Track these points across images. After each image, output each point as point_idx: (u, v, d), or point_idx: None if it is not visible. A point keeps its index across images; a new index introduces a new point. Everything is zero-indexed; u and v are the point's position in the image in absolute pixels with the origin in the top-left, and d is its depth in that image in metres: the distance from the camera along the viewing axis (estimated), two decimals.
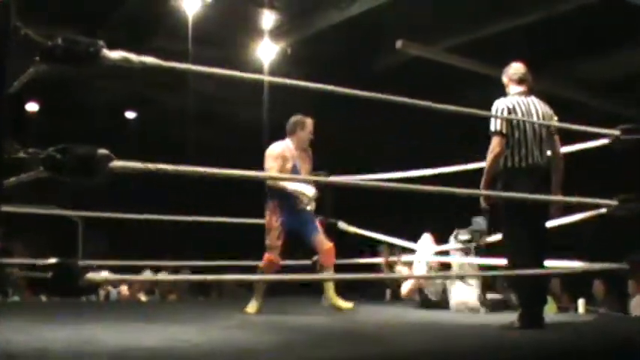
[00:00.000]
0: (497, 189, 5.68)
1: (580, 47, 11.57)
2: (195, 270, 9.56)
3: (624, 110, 13.28)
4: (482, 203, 5.87)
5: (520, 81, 5.93)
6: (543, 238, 5.77)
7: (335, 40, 11.48)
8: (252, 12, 10.98)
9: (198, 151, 11.06)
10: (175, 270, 10.62)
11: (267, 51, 11.38)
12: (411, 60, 11.49)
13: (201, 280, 5.63)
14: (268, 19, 11.01)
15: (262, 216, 7.18)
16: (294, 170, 7.05)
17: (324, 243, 7.05)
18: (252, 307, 6.95)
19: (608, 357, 4.61)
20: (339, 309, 7.08)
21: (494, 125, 5.68)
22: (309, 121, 7.22)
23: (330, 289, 7.22)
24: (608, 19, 10.12)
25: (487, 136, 5.74)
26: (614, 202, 5.72)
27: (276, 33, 11.31)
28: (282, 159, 7.03)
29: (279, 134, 7.20)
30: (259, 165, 7.02)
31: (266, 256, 6.92)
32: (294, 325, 5.95)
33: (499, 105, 5.73)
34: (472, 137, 6.27)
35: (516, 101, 5.76)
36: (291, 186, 6.93)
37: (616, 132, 5.92)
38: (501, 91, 6.13)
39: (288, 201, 6.99)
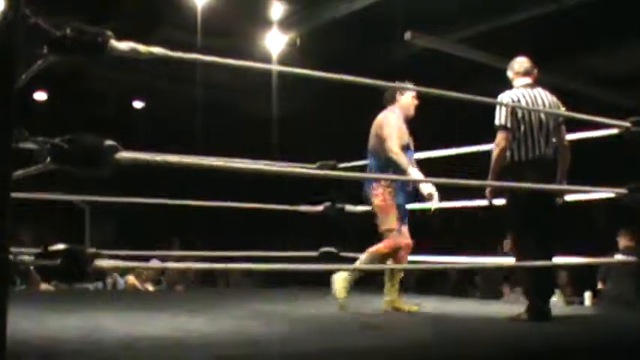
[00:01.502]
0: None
1: (588, 41, 11.55)
2: (204, 260, 9.58)
3: (634, 103, 13.28)
4: (487, 197, 5.90)
5: (526, 73, 5.94)
6: (550, 231, 5.75)
7: (344, 32, 11.47)
8: (261, 2, 10.97)
9: (207, 141, 11.07)
10: (182, 260, 10.64)
11: (275, 42, 11.37)
12: (420, 52, 11.47)
13: (221, 268, 5.62)
14: (277, 9, 11.00)
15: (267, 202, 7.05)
16: (408, 149, 6.44)
17: (408, 237, 6.51)
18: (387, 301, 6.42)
19: (613, 350, 4.61)
20: (401, 310, 6.35)
21: (499, 119, 5.68)
22: (409, 85, 6.25)
23: (395, 290, 6.47)
24: (618, 12, 10.09)
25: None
26: (623, 191, 5.72)
27: (285, 24, 11.30)
28: (400, 132, 6.38)
29: (287, 125, 7.14)
30: (266, 155, 6.99)
31: (388, 242, 6.21)
32: (303, 316, 5.96)
33: (504, 98, 5.72)
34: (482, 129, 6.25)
35: (521, 93, 5.75)
36: (407, 164, 6.12)
37: (627, 124, 5.94)
38: (509, 84, 6.13)
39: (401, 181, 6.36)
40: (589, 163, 8.44)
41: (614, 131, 6.17)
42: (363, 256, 6.23)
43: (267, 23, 11.25)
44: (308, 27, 11.50)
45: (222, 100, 12.98)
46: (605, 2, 9.87)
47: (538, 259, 5.41)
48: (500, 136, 5.66)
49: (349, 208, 8.07)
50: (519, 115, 5.64)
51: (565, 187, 5.90)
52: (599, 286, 9.98)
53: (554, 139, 5.77)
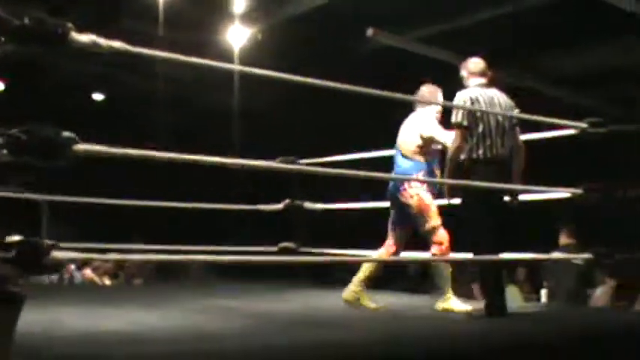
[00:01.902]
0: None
1: (547, 40, 11.63)
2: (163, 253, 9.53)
3: (592, 104, 13.42)
4: (446, 195, 5.94)
5: (481, 74, 6.02)
6: (503, 230, 5.81)
7: (306, 27, 11.44)
8: None
9: (168, 134, 11.01)
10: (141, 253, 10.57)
11: (237, 35, 11.32)
12: (383, 49, 11.49)
13: (178, 260, 5.59)
14: (240, 3, 10.94)
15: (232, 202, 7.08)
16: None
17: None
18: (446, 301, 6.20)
19: (566, 348, 4.66)
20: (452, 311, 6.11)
21: (456, 117, 5.73)
22: (440, 93, 6.47)
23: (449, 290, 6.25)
24: (576, 14, 10.17)
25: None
26: (579, 191, 5.79)
27: (248, 17, 11.25)
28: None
29: (250, 120, 7.12)
30: (228, 148, 6.97)
31: (440, 239, 6.16)
32: (259, 311, 5.97)
33: (462, 96, 5.76)
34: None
35: (479, 93, 5.82)
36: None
37: (584, 125, 6.01)
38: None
39: (432, 176, 6.38)
40: (547, 163, 8.50)
41: (572, 132, 6.23)
42: (439, 271, 6.15)
43: (229, 17, 11.19)
44: (271, 21, 11.47)
45: (183, 93, 12.91)
46: (563, 3, 9.94)
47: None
48: (457, 135, 5.73)
49: (308, 205, 8.08)
50: (477, 114, 5.69)
51: (522, 187, 5.95)
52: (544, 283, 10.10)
53: (509, 140, 5.83)
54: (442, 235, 6.17)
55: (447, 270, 6.16)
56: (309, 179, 6.69)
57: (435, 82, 6.59)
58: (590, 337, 5.14)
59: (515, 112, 5.90)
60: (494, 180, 5.54)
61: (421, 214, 6.20)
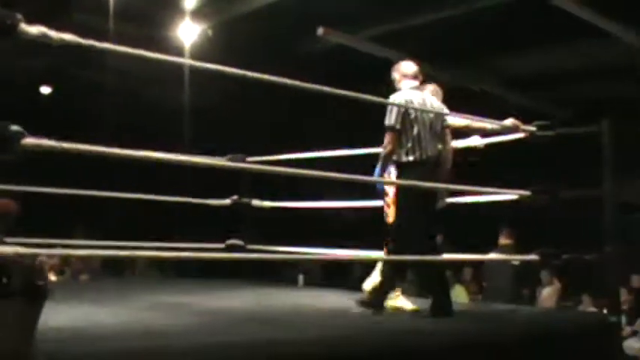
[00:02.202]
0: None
1: (500, 43, 11.74)
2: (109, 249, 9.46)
3: (541, 106, 13.57)
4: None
5: (414, 76, 6.07)
6: (434, 230, 5.94)
7: (257, 24, 11.44)
8: None
9: (117, 129, 10.93)
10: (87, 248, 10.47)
11: (188, 31, 11.27)
12: (334, 47, 11.53)
13: (125, 256, 5.54)
14: None
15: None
16: None
17: None
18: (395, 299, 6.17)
19: (506, 347, 4.73)
20: (400, 311, 6.14)
21: (389, 120, 5.77)
22: (438, 88, 6.43)
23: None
24: (528, 17, 10.28)
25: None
26: (527, 193, 5.86)
27: (198, 14, 11.21)
28: None
29: (199, 116, 7.10)
30: (177, 145, 6.94)
31: None
32: (207, 308, 5.95)
33: (396, 98, 5.81)
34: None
35: (412, 96, 5.86)
36: None
37: (532, 128, 6.09)
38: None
39: None
40: (496, 165, 8.60)
41: (520, 135, 6.31)
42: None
43: (180, 12, 11.14)
44: (221, 18, 11.44)
45: (133, 87, 12.82)
46: (515, 5, 10.04)
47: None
48: (389, 137, 5.77)
49: (256, 203, 8.09)
50: (412, 116, 5.74)
51: (471, 188, 6.00)
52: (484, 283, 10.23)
53: (439, 143, 5.91)
54: None
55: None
56: (263, 177, 6.68)
57: (384, 82, 6.62)
58: (531, 336, 5.21)
59: (446, 115, 5.97)
60: (427, 182, 5.59)
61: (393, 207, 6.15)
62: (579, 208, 7.16)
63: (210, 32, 11.48)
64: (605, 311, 6.24)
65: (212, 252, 7.17)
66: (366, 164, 6.33)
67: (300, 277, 10.22)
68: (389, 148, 5.75)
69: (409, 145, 5.74)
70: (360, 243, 6.93)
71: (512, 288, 9.33)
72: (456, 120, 6.15)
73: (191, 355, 3.54)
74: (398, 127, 5.74)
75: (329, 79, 6.14)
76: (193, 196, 7.98)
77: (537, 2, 9.35)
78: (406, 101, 5.77)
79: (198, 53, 10.70)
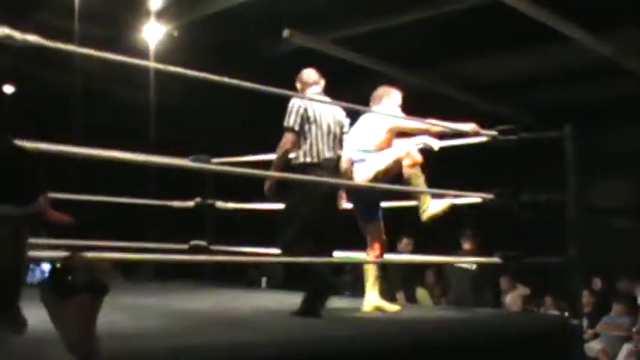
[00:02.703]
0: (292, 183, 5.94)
1: (464, 47, 11.81)
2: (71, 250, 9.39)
3: (503, 110, 13.67)
4: (265, 191, 6.13)
5: (315, 82, 6.24)
6: (331, 234, 6.07)
7: (223, 26, 11.42)
8: None
9: (82, 129, 10.86)
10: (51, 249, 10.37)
11: (153, 32, 11.23)
12: (301, 49, 11.54)
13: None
14: (156, 0, 10.86)
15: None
16: None
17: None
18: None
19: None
20: (382, 310, 6.25)
21: (288, 121, 5.92)
22: (395, 91, 6.57)
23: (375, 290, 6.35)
24: (491, 21, 10.34)
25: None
26: (490, 196, 5.92)
27: (164, 15, 11.18)
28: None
29: (164, 117, 7.08)
30: (143, 146, 6.94)
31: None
32: (168, 310, 5.94)
33: (296, 102, 5.94)
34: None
35: (313, 100, 6.00)
36: None
37: (494, 132, 6.16)
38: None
39: None
40: (459, 169, 8.65)
41: (483, 139, 6.37)
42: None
43: (145, 13, 11.10)
44: (187, 19, 11.41)
45: (97, 87, 12.74)
46: (477, 10, 10.10)
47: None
48: (287, 138, 5.92)
49: (220, 204, 8.09)
50: (311, 119, 5.89)
51: (436, 190, 6.06)
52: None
53: (338, 148, 6.08)
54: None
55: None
56: (228, 178, 6.69)
57: (349, 84, 6.68)
58: (492, 340, 5.25)
59: (346, 120, 6.16)
60: (323, 184, 5.81)
61: (382, 174, 6.19)
62: (542, 212, 7.20)
63: (175, 33, 11.45)
64: (566, 314, 6.31)
65: (175, 253, 7.17)
66: None
67: (263, 280, 10.24)
68: (285, 147, 5.92)
69: (306, 147, 5.90)
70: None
71: (475, 292, 9.39)
72: (414, 124, 6.25)
73: (152, 357, 3.54)
74: (297, 128, 5.91)
75: (294, 81, 6.19)
76: (158, 197, 7.97)
77: (500, 7, 9.42)
78: (305, 105, 5.90)
79: (164, 54, 10.67)
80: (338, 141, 6.06)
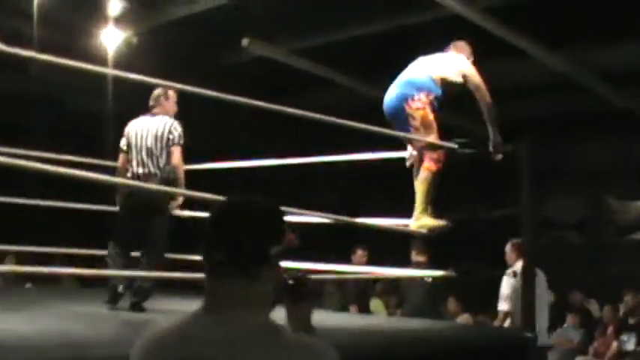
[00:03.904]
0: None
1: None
2: (23, 256, 9.31)
3: (459, 124, 13.75)
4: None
5: (151, 107, 6.74)
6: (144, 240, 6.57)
7: (182, 33, 11.41)
8: None
9: (37, 136, 10.77)
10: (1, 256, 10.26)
11: (111, 38, 11.17)
12: (260, 58, 11.55)
13: (31, 271, 5.47)
14: (115, 6, 10.81)
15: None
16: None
17: None
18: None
19: None
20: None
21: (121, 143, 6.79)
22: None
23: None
24: (448, 35, 10.40)
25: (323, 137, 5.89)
26: (443, 222, 5.99)
27: (123, 21, 11.12)
28: None
29: (121, 122, 7.07)
30: (97, 152, 6.93)
31: (437, 155, 6.37)
32: (127, 318, 5.89)
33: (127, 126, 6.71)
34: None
35: (136, 123, 6.66)
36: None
37: (453, 145, 6.19)
38: (339, 94, 6.35)
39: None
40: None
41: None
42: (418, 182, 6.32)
43: (104, 19, 11.04)
44: (146, 26, 11.38)
45: (51, 94, 12.62)
46: (435, 24, 10.18)
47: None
48: (120, 157, 6.77)
49: (176, 212, 8.07)
50: (131, 139, 6.56)
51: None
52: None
53: (158, 161, 6.49)
54: (439, 153, 6.34)
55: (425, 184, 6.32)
56: (190, 185, 6.70)
57: (305, 94, 6.72)
58: (444, 352, 5.28)
59: (171, 135, 6.54)
60: (128, 194, 6.51)
61: (424, 128, 6.32)
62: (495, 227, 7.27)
63: (134, 40, 11.40)
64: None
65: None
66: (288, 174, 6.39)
67: None
68: (119, 165, 6.79)
69: (133, 162, 6.54)
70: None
71: (428, 304, 9.40)
72: (480, 82, 6.61)
73: None
74: (125, 148, 6.68)
75: (252, 89, 6.19)
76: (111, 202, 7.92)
77: (458, 20, 9.50)
78: (128, 127, 6.65)
79: (123, 60, 10.62)
80: (155, 155, 6.51)
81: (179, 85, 5.11)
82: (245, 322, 2.03)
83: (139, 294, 6.22)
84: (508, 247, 8.33)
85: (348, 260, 9.36)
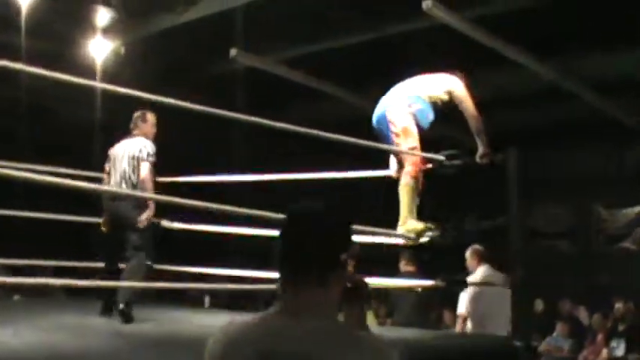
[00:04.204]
0: None
1: (408, 70, 11.89)
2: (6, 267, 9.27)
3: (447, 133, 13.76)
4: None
5: (132, 128, 7.06)
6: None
7: (170, 44, 11.41)
8: (87, 8, 10.75)
9: (30, 145, 10.75)
10: None
11: (100, 48, 11.16)
12: (248, 68, 11.56)
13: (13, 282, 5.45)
14: (103, 16, 10.81)
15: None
16: None
17: None
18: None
19: None
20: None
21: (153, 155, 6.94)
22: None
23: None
24: (435, 45, 10.43)
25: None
26: (433, 230, 5.99)
27: (111, 31, 11.12)
28: None
29: (108, 132, 7.13)
30: (87, 163, 6.92)
31: (415, 159, 6.37)
32: (112, 330, 5.87)
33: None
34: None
35: (118, 145, 6.96)
36: None
37: (441, 157, 6.20)
38: (327, 104, 6.35)
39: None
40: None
41: (429, 166, 6.42)
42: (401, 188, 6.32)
43: (92, 29, 11.03)
44: (134, 36, 11.38)
45: (43, 104, 12.60)
46: (421, 33, 10.20)
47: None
48: (104, 179, 7.05)
49: (165, 224, 8.06)
50: (112, 163, 6.91)
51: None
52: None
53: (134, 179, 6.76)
54: (417, 158, 6.35)
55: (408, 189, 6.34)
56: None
57: (293, 104, 6.73)
58: None
59: (142, 153, 6.78)
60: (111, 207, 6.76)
61: (403, 134, 6.37)
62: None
63: (122, 50, 11.39)
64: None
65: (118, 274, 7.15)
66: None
67: (207, 299, 10.19)
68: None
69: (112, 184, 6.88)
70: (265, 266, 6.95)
71: (418, 313, 9.39)
72: (468, 99, 6.61)
73: None
74: (108, 170, 6.98)
75: (241, 99, 6.18)
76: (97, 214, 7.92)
77: (444, 30, 9.52)
78: (110, 152, 7.01)
79: (111, 70, 10.62)
80: (130, 173, 6.79)
81: (158, 97, 5.05)
82: (318, 323, 2.15)
83: (126, 304, 6.29)
84: (468, 253, 8.33)
85: None
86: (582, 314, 12.29)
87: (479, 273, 7.93)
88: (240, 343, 2.20)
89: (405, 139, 6.34)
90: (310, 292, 2.19)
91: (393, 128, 6.42)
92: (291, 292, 2.21)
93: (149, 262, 6.73)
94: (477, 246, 8.16)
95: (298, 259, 2.21)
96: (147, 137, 6.96)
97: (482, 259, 8.18)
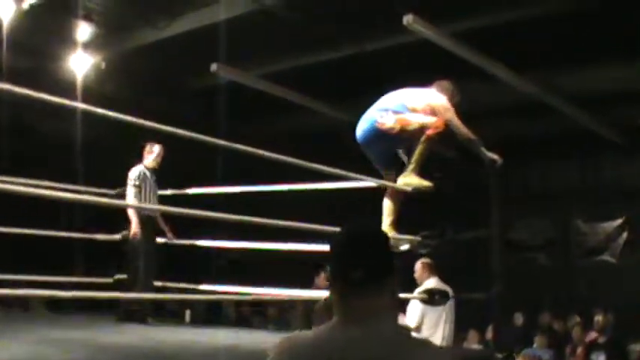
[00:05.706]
0: None
1: (390, 83, 11.93)
2: None
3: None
4: None
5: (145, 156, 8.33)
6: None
7: (151, 58, 11.42)
8: (68, 23, 10.75)
9: (9, 162, 10.72)
10: None
11: (80, 63, 11.15)
12: (229, 83, 11.58)
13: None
14: (84, 31, 10.81)
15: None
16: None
17: None
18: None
19: None
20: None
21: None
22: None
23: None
24: (416, 59, 10.47)
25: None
26: (417, 238, 6.01)
27: (92, 46, 11.13)
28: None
29: (91, 150, 7.10)
30: (69, 179, 6.93)
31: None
32: (95, 344, 5.87)
33: (134, 171, 8.18)
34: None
35: (145, 169, 8.18)
36: None
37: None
38: (311, 119, 6.38)
39: None
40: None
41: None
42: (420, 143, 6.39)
43: (73, 44, 11.04)
44: (114, 51, 11.39)
45: (23, 120, 12.57)
46: (400, 47, 10.25)
47: None
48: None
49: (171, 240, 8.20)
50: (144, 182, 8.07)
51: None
52: None
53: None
54: (438, 122, 6.45)
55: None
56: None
57: (274, 118, 6.75)
58: None
59: (129, 178, 7.94)
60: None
61: (405, 127, 6.42)
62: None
63: (103, 65, 11.39)
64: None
65: (98, 288, 7.17)
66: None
67: (187, 313, 10.19)
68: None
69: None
70: (245, 280, 6.99)
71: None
72: (455, 118, 6.66)
73: None
74: (137, 183, 8.01)
75: (222, 114, 6.21)
76: (87, 228, 7.96)
77: (424, 45, 9.58)
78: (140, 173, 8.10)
79: (91, 85, 10.62)
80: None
81: (134, 119, 5.04)
82: (382, 329, 2.24)
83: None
84: (418, 266, 8.38)
85: (311, 283, 9.39)
86: (561, 326, 12.35)
87: (429, 284, 7.97)
88: (310, 356, 2.26)
89: (412, 122, 6.43)
90: (370, 300, 2.26)
91: (390, 131, 6.43)
92: (353, 302, 2.27)
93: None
94: (426, 259, 8.23)
95: (361, 268, 2.28)
96: (147, 166, 8.21)
97: (431, 271, 8.26)
